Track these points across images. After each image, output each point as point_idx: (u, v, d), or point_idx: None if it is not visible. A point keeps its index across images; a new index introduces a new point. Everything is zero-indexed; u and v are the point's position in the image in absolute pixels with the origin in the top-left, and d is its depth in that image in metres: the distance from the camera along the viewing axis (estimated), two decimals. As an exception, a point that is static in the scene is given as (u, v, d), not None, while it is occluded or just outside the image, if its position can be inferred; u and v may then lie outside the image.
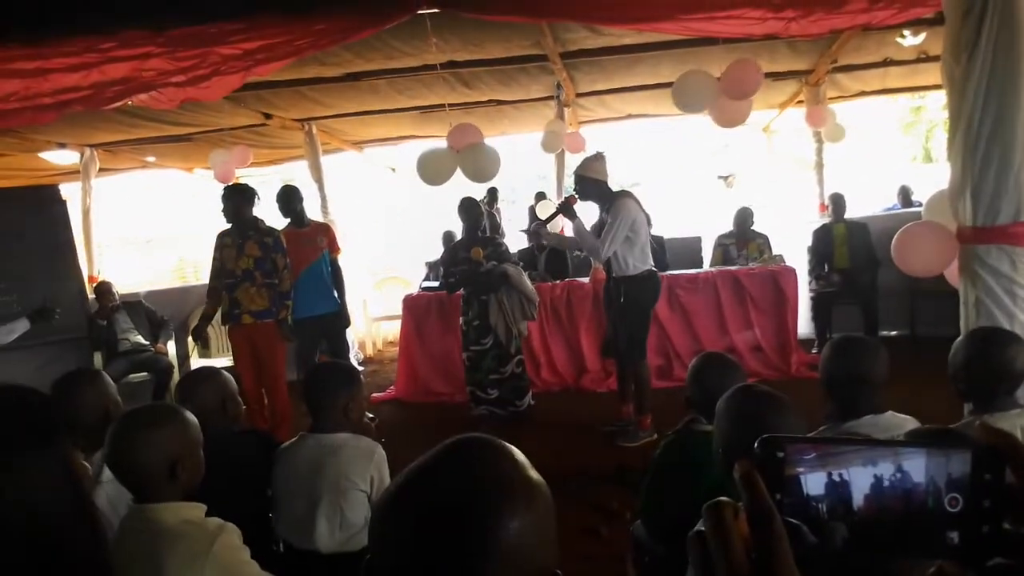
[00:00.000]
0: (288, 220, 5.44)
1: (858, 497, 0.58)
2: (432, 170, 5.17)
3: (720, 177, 8.32)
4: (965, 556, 0.58)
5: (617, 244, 4.58)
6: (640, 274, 4.71)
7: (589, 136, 7.72)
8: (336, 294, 5.54)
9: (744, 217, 6.97)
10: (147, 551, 1.70)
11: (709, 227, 7.60)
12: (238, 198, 4.88)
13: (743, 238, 6.94)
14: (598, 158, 4.78)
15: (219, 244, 4.96)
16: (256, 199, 4.97)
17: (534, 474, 0.82)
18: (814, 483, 0.59)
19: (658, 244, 6.96)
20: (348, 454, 2.38)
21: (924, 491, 0.58)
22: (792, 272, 6.32)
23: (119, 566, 1.76)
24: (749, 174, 11.52)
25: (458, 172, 5.18)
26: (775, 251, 6.83)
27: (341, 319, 5.62)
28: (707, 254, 7.32)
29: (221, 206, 4.88)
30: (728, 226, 7.19)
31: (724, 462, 1.74)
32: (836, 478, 0.59)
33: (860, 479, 0.58)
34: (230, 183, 5.39)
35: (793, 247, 7.19)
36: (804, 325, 6.95)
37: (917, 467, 0.58)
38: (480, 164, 5.03)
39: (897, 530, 0.58)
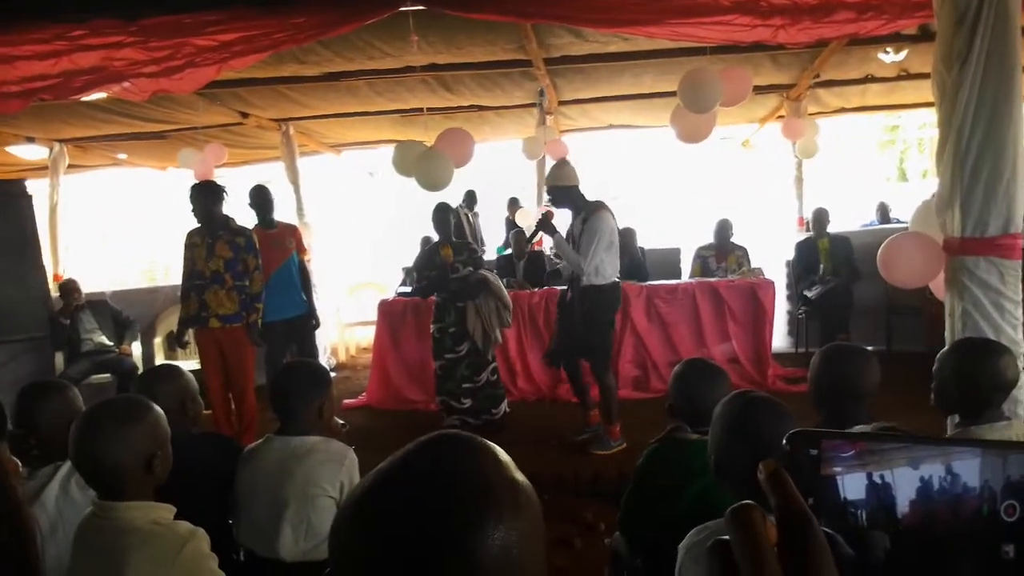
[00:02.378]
0: (256, 220, 5.32)
1: (903, 503, 0.50)
2: (401, 163, 5.02)
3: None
4: (1022, 572, 0.50)
5: (599, 256, 4.58)
6: (608, 284, 4.71)
7: (571, 145, 7.67)
8: (304, 296, 5.43)
9: (724, 229, 6.95)
10: (111, 550, 1.62)
11: (688, 239, 7.60)
12: (207, 196, 4.74)
13: (722, 250, 6.92)
14: (565, 164, 4.79)
15: (188, 243, 4.81)
16: (225, 196, 4.84)
17: (520, 475, 0.71)
18: (852, 485, 0.51)
19: (640, 255, 6.95)
20: (318, 458, 2.26)
21: (978, 497, 0.50)
22: (771, 285, 6.31)
23: (78, 564, 1.70)
24: (727, 187, 11.59)
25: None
26: (753, 264, 6.82)
27: (310, 321, 5.50)
28: (686, 265, 7.30)
29: (190, 205, 4.74)
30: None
31: (717, 471, 1.65)
32: (878, 480, 0.51)
33: (905, 482, 0.50)
34: (198, 181, 5.25)
35: (771, 260, 7.20)
36: (780, 339, 6.95)
37: (970, 469, 0.50)
38: (431, 173, 4.85)
39: (946, 541, 0.51)
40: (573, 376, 5.06)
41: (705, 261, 6.95)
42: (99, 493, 1.71)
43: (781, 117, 7.60)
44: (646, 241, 7.41)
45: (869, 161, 15.42)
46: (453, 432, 0.75)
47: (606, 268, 4.65)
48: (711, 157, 11.00)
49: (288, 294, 5.29)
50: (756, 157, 9.87)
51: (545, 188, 4.87)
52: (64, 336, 5.93)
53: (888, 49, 5.33)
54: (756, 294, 6.26)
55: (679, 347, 6.24)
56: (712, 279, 6.55)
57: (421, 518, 0.65)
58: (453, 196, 5.98)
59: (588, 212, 4.62)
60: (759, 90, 6.73)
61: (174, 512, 1.71)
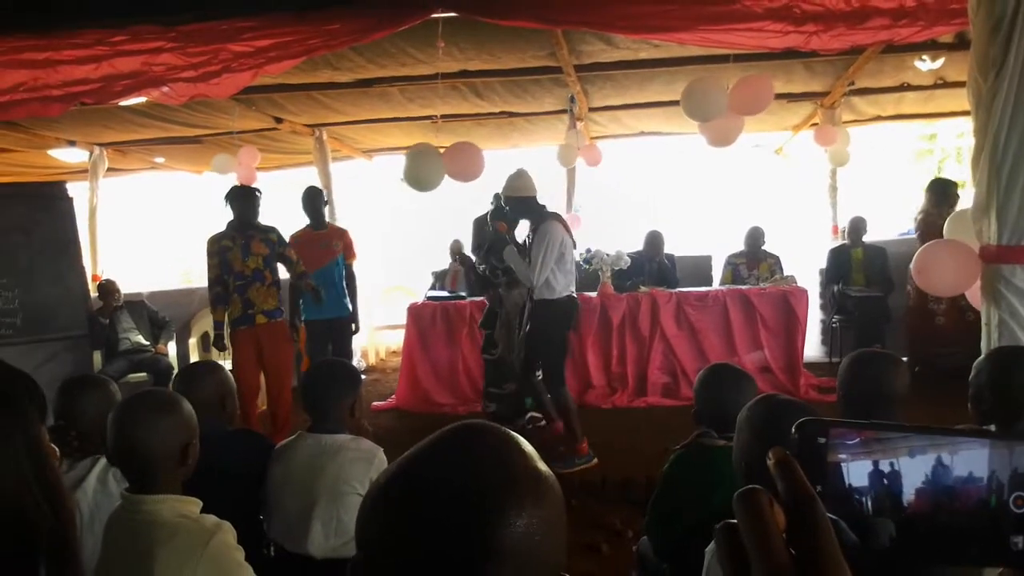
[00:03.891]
0: (308, 221, 5.42)
1: (908, 491, 0.51)
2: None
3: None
4: None
5: (548, 268, 4.50)
6: (560, 298, 4.61)
7: (602, 151, 7.66)
8: (347, 299, 5.49)
9: (755, 237, 6.89)
10: (139, 543, 1.65)
11: (720, 246, 7.55)
12: (250, 199, 4.80)
13: (754, 258, 6.86)
14: (520, 175, 4.74)
15: (217, 248, 4.75)
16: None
17: (543, 466, 0.73)
18: (857, 473, 0.51)
19: (668, 261, 6.92)
20: (348, 456, 2.30)
21: (986, 488, 0.50)
22: (804, 293, 6.24)
23: (108, 556, 1.73)
24: (760, 195, 11.49)
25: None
26: (786, 272, 6.75)
27: (351, 324, 5.56)
28: (717, 272, 7.25)
29: (233, 208, 4.77)
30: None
31: (745, 475, 1.65)
32: (884, 468, 0.51)
33: (911, 471, 0.51)
34: (237, 185, 5.33)
35: (804, 269, 7.12)
36: (813, 348, 6.86)
37: (978, 460, 0.50)
38: (418, 170, 4.80)
39: (952, 531, 0.51)
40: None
41: (736, 268, 6.90)
42: (132, 484, 1.75)
43: (815, 125, 7.52)
44: (677, 248, 7.37)
45: (906, 170, 15.17)
46: (478, 422, 0.77)
47: (557, 282, 4.56)
48: (744, 165, 10.92)
49: (329, 295, 5.26)
50: (790, 165, 9.78)
51: (502, 198, 4.80)
52: (103, 335, 6.06)
53: (924, 57, 5.24)
54: (788, 302, 6.19)
55: (709, 355, 6.19)
56: (743, 287, 6.50)
57: (445, 505, 0.66)
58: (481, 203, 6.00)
59: (539, 223, 4.59)
60: (792, 98, 6.68)
61: (200, 506, 1.74)
